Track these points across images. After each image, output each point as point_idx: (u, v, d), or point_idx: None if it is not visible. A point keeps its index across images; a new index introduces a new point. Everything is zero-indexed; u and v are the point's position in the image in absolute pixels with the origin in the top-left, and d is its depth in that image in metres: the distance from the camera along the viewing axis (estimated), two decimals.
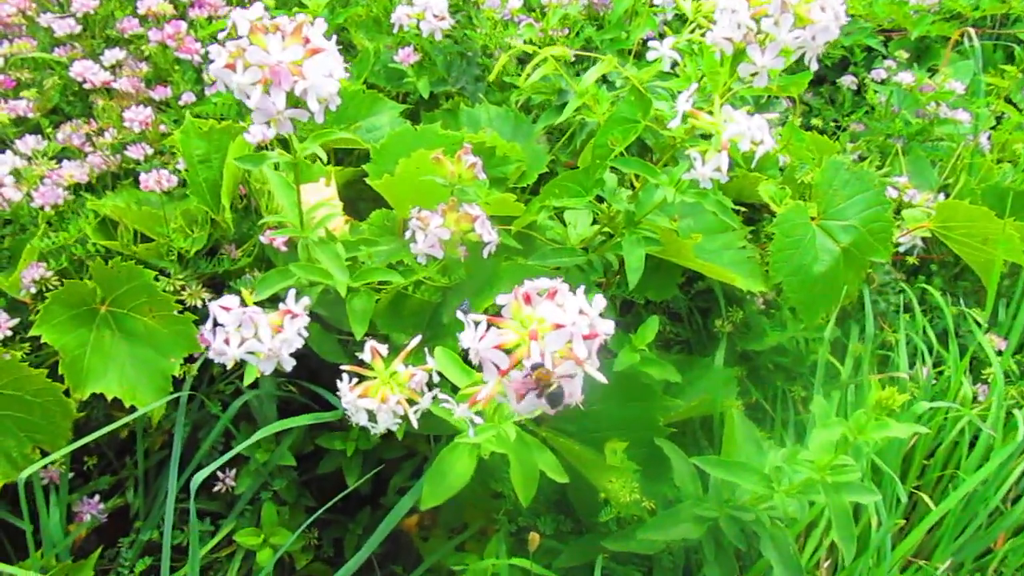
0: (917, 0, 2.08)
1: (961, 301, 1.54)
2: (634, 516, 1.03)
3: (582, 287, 0.68)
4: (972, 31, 1.71)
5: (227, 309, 0.77)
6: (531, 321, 0.63)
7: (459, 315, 0.65)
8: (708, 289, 1.37)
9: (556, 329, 0.62)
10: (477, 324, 0.64)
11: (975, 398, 1.30)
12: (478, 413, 0.72)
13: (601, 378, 0.64)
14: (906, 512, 1.23)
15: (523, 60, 1.45)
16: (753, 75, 0.78)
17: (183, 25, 1.36)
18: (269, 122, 0.70)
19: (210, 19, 1.47)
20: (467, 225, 0.94)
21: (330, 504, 1.09)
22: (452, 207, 0.96)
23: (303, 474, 1.33)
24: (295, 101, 0.70)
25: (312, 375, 1.23)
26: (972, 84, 1.76)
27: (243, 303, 0.79)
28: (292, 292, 0.84)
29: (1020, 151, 1.69)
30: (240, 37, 0.69)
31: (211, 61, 0.68)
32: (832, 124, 1.89)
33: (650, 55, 1.09)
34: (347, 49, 1.60)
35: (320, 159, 1.00)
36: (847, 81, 2.02)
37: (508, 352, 0.63)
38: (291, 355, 0.81)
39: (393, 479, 1.32)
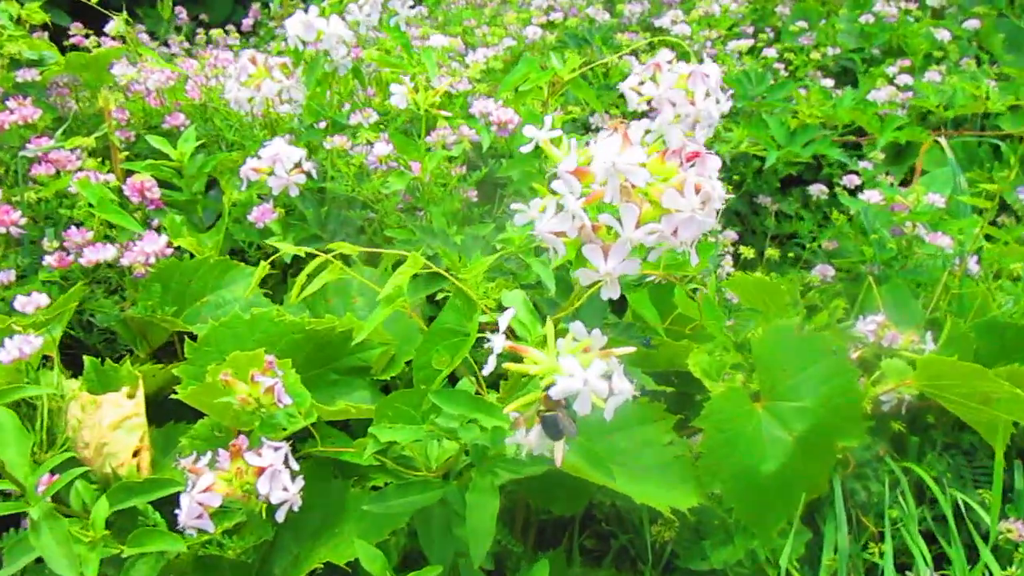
0: (886, 98, 1.88)
1: (967, 459, 1.26)
2: None
3: None
4: (943, 141, 1.48)
5: None
6: None
7: None
8: None
9: None
10: None
11: None
12: None
13: None
14: None
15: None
16: (596, 284, 0.55)
17: None
18: None
19: (58, 173, 1.27)
20: (251, 479, 0.68)
21: None
22: (238, 451, 0.70)
23: None
24: None
25: None
26: (953, 194, 1.52)
27: None
28: None
29: (1020, 271, 1.44)
30: None
31: None
32: (796, 246, 1.65)
33: (517, 219, 0.86)
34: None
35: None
36: (815, 190, 1.79)
37: None
38: None
39: None
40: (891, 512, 1.03)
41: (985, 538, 1.05)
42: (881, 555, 0.99)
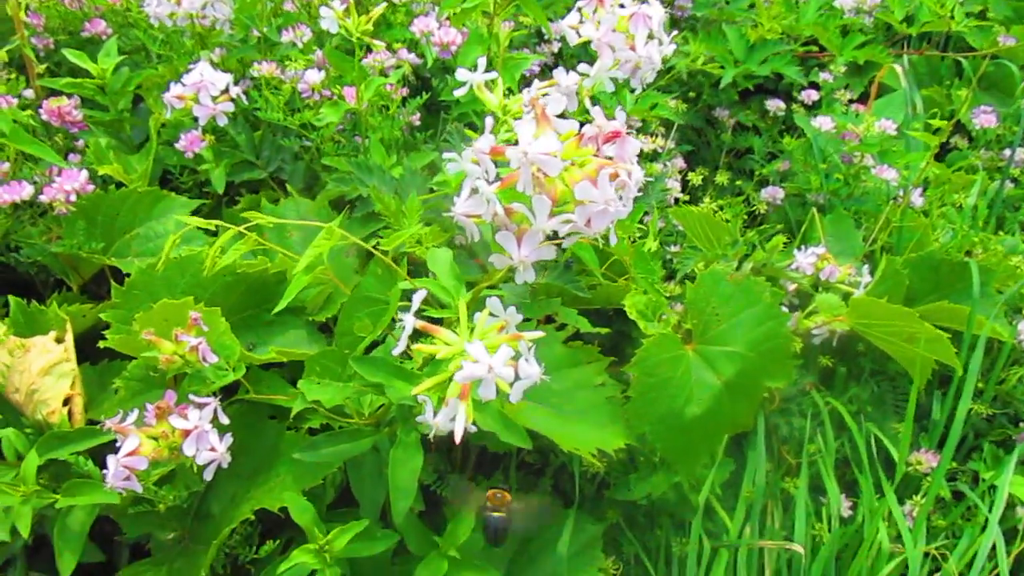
0: (852, 10, 1.81)
1: (892, 385, 1.31)
2: None
3: None
4: (903, 65, 1.45)
5: None
6: None
7: None
8: None
9: None
10: None
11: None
12: None
13: None
14: None
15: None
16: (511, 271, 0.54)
17: None
18: None
19: None
20: (177, 440, 0.69)
21: None
22: (163, 412, 0.71)
23: None
24: None
25: None
26: (905, 122, 1.50)
27: None
28: None
29: (962, 201, 1.45)
30: None
31: None
32: (752, 161, 1.63)
33: (450, 167, 0.84)
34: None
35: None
36: (772, 106, 1.76)
37: None
38: None
39: None
40: (810, 446, 1.08)
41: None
42: (796, 487, 1.04)
